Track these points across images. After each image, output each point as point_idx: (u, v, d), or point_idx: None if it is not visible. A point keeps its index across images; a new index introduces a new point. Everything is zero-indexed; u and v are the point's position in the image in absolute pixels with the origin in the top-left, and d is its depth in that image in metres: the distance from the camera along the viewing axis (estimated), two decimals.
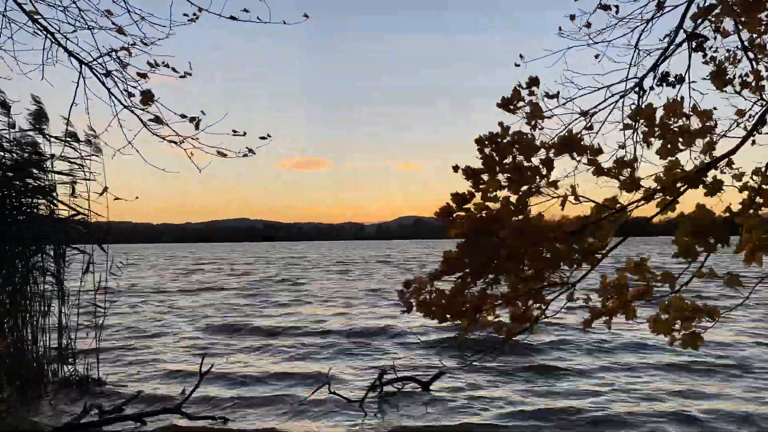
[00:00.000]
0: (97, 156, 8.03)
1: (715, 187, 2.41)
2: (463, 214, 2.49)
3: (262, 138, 3.85)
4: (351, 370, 8.83)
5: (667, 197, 2.43)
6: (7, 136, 7.62)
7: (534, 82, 3.47)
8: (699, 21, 3.56)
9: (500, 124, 2.85)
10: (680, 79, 3.70)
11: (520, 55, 4.35)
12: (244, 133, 3.77)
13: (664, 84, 3.98)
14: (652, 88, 4.33)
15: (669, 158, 2.46)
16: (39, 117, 7.79)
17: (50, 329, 7.85)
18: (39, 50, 4.13)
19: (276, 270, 37.24)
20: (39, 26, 4.14)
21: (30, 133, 7.78)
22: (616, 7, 4.35)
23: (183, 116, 3.77)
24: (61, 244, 7.94)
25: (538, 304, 2.65)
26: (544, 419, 6.39)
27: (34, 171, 7.79)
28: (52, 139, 7.87)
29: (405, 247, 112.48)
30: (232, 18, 3.86)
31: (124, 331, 12.83)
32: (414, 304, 2.55)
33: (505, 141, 2.52)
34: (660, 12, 4.12)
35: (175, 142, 3.89)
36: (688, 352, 7.86)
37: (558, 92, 4.02)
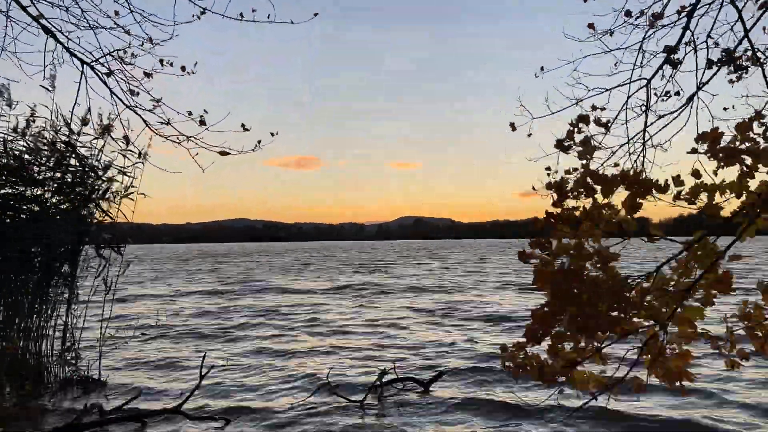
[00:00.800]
0: (142, 163, 8.07)
1: None
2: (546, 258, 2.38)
3: (272, 134, 3.87)
4: (352, 370, 8.83)
5: (743, 221, 2.32)
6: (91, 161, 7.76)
7: (583, 119, 3.52)
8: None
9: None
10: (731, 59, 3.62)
11: (542, 68, 4.41)
12: (250, 128, 3.78)
13: (729, 65, 3.88)
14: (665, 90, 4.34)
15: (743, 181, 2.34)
16: (106, 128, 7.84)
17: (54, 329, 7.85)
18: (42, 52, 4.14)
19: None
20: (41, 27, 4.15)
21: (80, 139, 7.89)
22: (642, 12, 4.39)
23: (190, 113, 3.77)
24: (82, 246, 7.97)
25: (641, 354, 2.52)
26: (545, 419, 6.39)
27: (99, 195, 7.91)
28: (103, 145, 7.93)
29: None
30: (240, 16, 3.87)
31: (124, 331, 12.82)
32: (512, 368, 2.53)
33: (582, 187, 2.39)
34: (678, 18, 4.15)
35: (178, 142, 3.90)
36: None
37: (608, 122, 4.05)
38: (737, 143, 2.36)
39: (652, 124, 4.70)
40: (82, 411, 6.40)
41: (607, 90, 4.86)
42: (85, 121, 7.64)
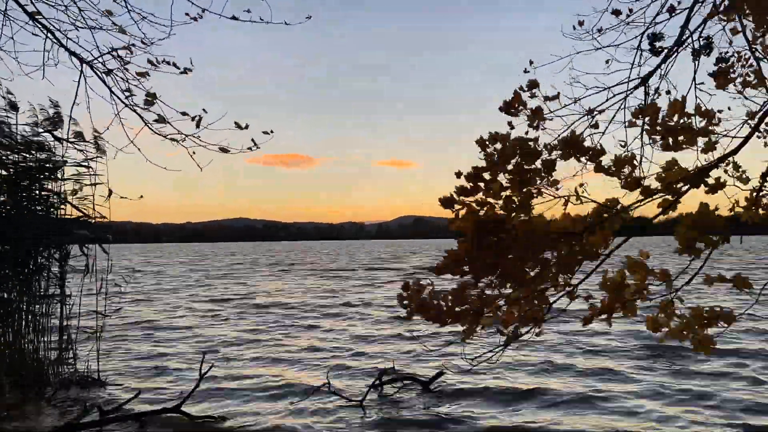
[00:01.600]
0: (101, 157, 8.09)
1: (717, 187, 2.40)
2: (467, 203, 2.50)
3: (265, 133, 3.85)
4: (351, 370, 8.83)
5: (669, 197, 2.43)
6: (18, 137, 7.70)
7: (534, 84, 3.50)
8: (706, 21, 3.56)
9: (509, 123, 2.89)
10: (708, 46, 3.63)
11: (530, 61, 4.37)
12: (246, 126, 3.77)
13: (702, 53, 3.84)
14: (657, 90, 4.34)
15: (671, 157, 2.46)
16: (55, 120, 7.84)
17: (51, 329, 7.85)
18: (40, 50, 4.14)
19: None
20: (39, 25, 4.15)
21: (40, 134, 7.86)
22: (630, 10, 4.36)
23: (184, 114, 3.76)
24: (65, 244, 7.96)
25: (543, 305, 2.65)
26: (545, 417, 6.39)
27: (45, 173, 7.86)
28: (61, 140, 7.91)
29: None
30: (234, 18, 3.87)
31: (124, 330, 12.82)
32: (414, 308, 2.49)
33: (507, 144, 2.51)
34: (670, 16, 4.14)
35: (176, 140, 3.90)
36: None
37: (558, 93, 4.02)
38: (674, 120, 2.44)
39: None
40: (81, 411, 6.39)
41: (605, 89, 4.86)
42: (56, 120, 7.67)
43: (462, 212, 2.51)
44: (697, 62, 3.80)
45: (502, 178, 2.56)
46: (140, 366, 9.25)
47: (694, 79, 4.35)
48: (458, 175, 2.59)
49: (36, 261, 7.71)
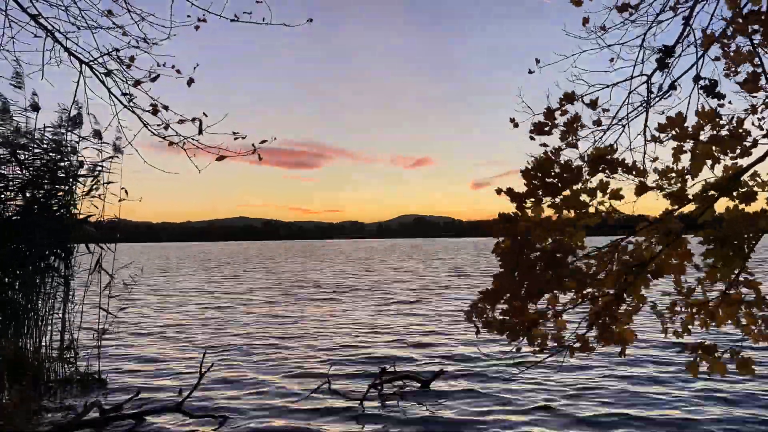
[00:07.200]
0: (118, 156, 8.09)
1: (748, 196, 2.31)
2: (511, 231, 2.47)
3: (263, 142, 3.86)
4: (351, 369, 8.83)
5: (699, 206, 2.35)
6: (38, 137, 7.74)
7: (569, 98, 3.40)
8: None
9: (543, 145, 2.81)
10: (714, 84, 3.59)
11: (536, 60, 4.34)
12: (245, 137, 3.79)
13: (705, 91, 3.82)
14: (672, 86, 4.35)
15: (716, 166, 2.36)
16: (76, 121, 7.86)
17: (52, 328, 7.87)
18: (40, 51, 4.15)
19: None
20: (40, 26, 4.15)
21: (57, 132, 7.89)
22: (634, 7, 4.35)
23: (193, 120, 3.77)
24: (71, 243, 7.97)
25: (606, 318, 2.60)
26: (544, 416, 6.40)
27: (59, 173, 7.89)
28: (78, 139, 7.94)
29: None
30: (235, 18, 3.87)
31: (125, 329, 12.83)
32: (480, 325, 2.64)
33: (550, 172, 2.45)
34: (674, 14, 4.14)
35: (175, 143, 3.90)
36: None
37: (597, 98, 3.96)
38: (702, 130, 2.40)
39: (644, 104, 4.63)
40: (82, 410, 6.41)
41: (608, 86, 4.85)
42: (77, 120, 7.66)
43: (505, 242, 2.51)
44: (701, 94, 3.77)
45: (546, 202, 2.52)
46: (141, 365, 9.27)
47: (697, 76, 4.35)
48: (498, 191, 2.56)
49: (42, 260, 7.72)
